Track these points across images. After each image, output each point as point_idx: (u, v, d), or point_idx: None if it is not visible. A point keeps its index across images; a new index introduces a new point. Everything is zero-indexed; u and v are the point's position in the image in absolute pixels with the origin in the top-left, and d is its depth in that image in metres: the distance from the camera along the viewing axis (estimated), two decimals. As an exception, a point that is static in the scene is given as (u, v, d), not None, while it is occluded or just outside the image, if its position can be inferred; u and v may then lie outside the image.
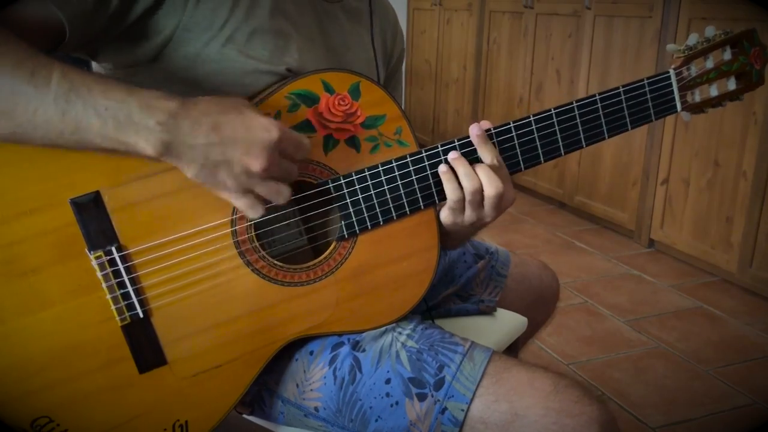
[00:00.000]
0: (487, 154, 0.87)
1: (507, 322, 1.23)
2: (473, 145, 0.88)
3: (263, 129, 0.74)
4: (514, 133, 0.90)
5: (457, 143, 0.89)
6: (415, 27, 4.83)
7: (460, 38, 4.32)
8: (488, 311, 1.22)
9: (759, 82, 0.97)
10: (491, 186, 0.86)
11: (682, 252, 2.91)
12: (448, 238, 0.94)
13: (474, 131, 0.87)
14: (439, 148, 0.88)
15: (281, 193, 0.77)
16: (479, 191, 0.86)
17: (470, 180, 0.86)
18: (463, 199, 0.87)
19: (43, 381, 0.77)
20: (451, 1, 4.38)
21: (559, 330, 2.33)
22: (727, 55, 0.95)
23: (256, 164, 0.74)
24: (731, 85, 0.96)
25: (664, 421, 1.87)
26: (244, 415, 1.01)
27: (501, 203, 0.88)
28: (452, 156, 0.87)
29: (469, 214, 0.88)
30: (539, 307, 1.30)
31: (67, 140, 0.71)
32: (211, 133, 0.73)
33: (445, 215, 0.90)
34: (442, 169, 0.87)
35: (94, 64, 0.93)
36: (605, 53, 3.16)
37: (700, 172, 2.76)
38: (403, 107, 0.90)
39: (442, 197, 0.89)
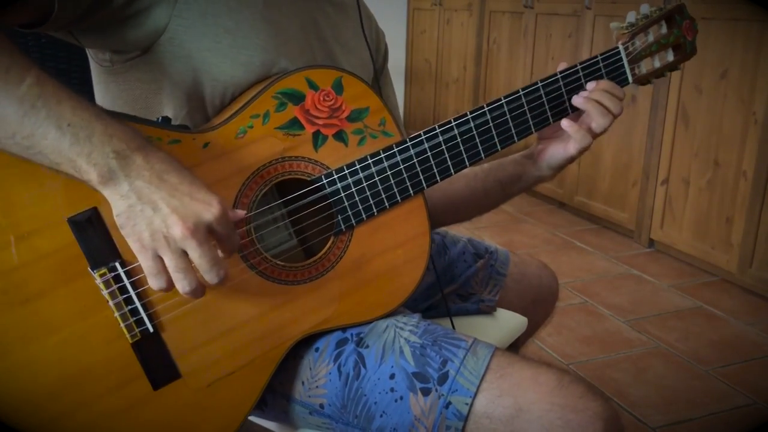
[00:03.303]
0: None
1: (507, 322, 1.23)
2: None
3: (204, 203, 0.72)
4: (489, 116, 0.94)
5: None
6: (415, 27, 4.83)
7: (460, 38, 4.32)
8: (488, 311, 1.23)
9: (692, 52, 1.06)
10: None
11: (682, 252, 2.91)
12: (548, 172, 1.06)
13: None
14: (423, 136, 0.92)
15: (187, 279, 0.72)
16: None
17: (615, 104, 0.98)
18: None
19: (56, 410, 0.75)
20: (451, 1, 4.38)
21: (559, 330, 2.33)
22: (664, 29, 1.03)
23: (177, 229, 0.70)
24: (669, 56, 1.05)
25: (664, 421, 1.87)
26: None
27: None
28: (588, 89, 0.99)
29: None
30: (538, 306, 1.30)
31: (16, 143, 0.69)
32: (155, 178, 0.71)
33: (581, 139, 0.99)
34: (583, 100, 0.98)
35: (92, 62, 0.93)
36: (605, 53, 3.16)
37: (700, 172, 2.76)
38: (401, 103, 0.91)
39: (431, 183, 0.92)
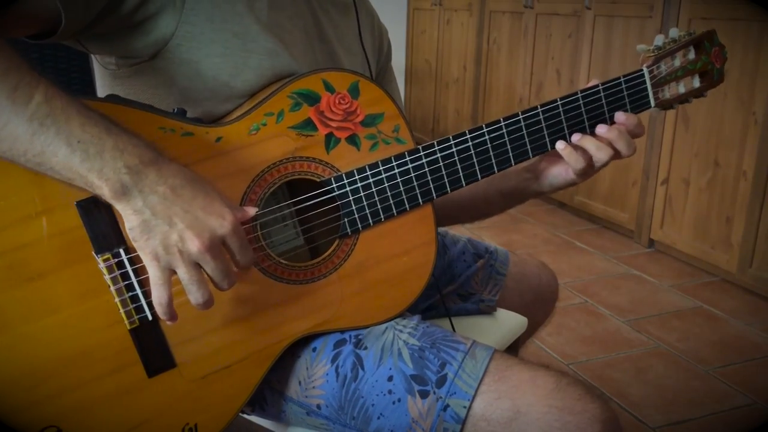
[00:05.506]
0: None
1: (507, 322, 1.23)
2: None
3: (219, 216, 0.73)
4: (504, 130, 0.94)
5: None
6: (415, 27, 4.83)
7: (460, 38, 4.32)
8: (488, 311, 1.23)
9: (719, 80, 1.04)
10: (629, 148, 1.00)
11: (682, 252, 2.91)
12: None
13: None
14: (436, 147, 0.91)
15: (200, 291, 0.73)
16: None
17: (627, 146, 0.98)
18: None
19: (50, 389, 0.76)
20: (451, 1, 4.38)
21: (559, 330, 2.33)
22: (692, 54, 1.01)
23: (194, 245, 0.71)
24: (696, 82, 1.03)
25: (664, 421, 1.87)
26: (244, 415, 1.01)
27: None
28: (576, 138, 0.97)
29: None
30: (538, 306, 1.30)
31: (28, 160, 0.69)
32: (169, 192, 0.71)
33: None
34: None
35: (96, 64, 0.93)
36: (605, 53, 3.16)
37: (700, 172, 2.76)
38: (402, 103, 0.91)
39: (440, 193, 0.92)
